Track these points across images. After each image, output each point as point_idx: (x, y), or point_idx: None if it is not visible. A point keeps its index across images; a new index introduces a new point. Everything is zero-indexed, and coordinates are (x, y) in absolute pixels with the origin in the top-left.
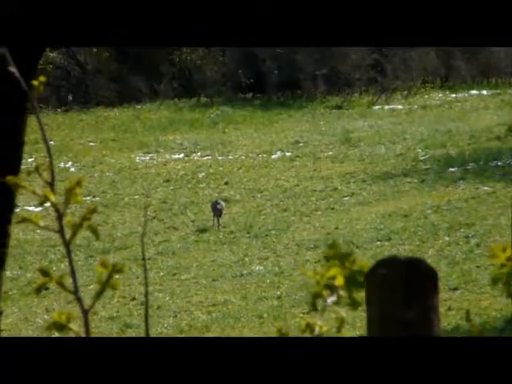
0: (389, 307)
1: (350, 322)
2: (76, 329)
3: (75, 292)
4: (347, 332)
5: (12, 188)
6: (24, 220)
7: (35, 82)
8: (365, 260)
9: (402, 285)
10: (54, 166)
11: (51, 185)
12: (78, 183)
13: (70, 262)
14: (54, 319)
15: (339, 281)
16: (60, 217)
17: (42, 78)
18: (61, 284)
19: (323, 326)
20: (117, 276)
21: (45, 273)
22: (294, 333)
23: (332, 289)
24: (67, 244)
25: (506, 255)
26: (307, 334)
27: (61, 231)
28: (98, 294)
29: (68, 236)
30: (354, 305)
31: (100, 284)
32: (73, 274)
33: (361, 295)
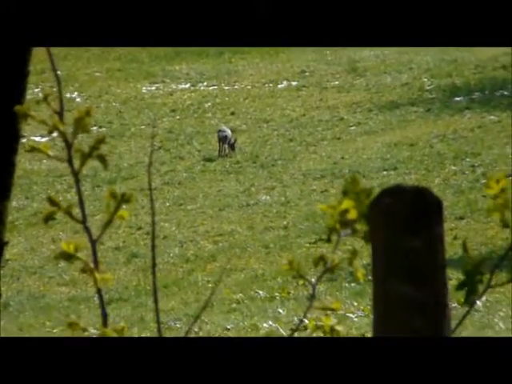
0: (393, 236)
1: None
2: (84, 258)
3: (83, 222)
4: (359, 263)
5: (18, 117)
6: (33, 149)
7: None
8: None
9: (406, 213)
10: (62, 96)
11: (60, 114)
12: (87, 113)
13: (79, 192)
14: (62, 249)
15: (352, 214)
16: (69, 146)
17: None
18: (69, 213)
19: (335, 258)
20: (125, 206)
21: (53, 202)
22: (303, 264)
23: (346, 222)
24: (76, 173)
25: (499, 186)
26: (320, 267)
27: (69, 160)
28: (107, 224)
29: (76, 166)
30: (367, 238)
31: (108, 214)
32: (81, 203)
33: None
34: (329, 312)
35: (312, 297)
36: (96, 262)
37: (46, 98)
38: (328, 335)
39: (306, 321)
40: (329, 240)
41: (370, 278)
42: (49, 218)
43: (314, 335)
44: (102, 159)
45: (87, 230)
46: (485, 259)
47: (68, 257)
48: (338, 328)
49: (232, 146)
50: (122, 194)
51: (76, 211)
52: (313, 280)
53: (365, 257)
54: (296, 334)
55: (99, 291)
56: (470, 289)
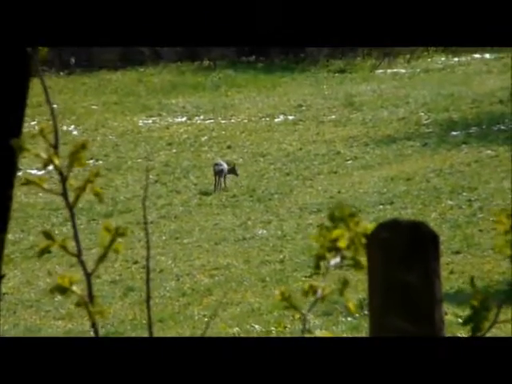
0: (390, 270)
1: (354, 284)
2: (79, 292)
3: (78, 255)
4: (350, 294)
5: (15, 150)
6: (28, 182)
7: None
8: (367, 223)
9: (403, 248)
10: (58, 129)
11: (55, 147)
12: (83, 146)
13: (74, 225)
14: (58, 282)
15: (342, 243)
16: (63, 180)
17: None
18: (64, 247)
19: (326, 288)
20: (120, 240)
21: (48, 235)
22: (296, 296)
23: (335, 251)
24: (71, 207)
25: (510, 222)
26: (310, 296)
27: (64, 194)
28: (101, 258)
29: (71, 199)
30: (357, 267)
31: (103, 247)
32: (76, 237)
33: (364, 258)
34: None
35: (304, 327)
36: (91, 295)
37: (41, 132)
38: None
39: None
40: (318, 267)
41: (366, 312)
42: (44, 252)
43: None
44: (97, 193)
45: (82, 263)
46: (488, 293)
47: (63, 290)
48: None
49: (233, 171)
50: (116, 228)
51: (71, 245)
52: (306, 312)
53: (360, 291)
54: None
55: (94, 325)
56: (476, 324)
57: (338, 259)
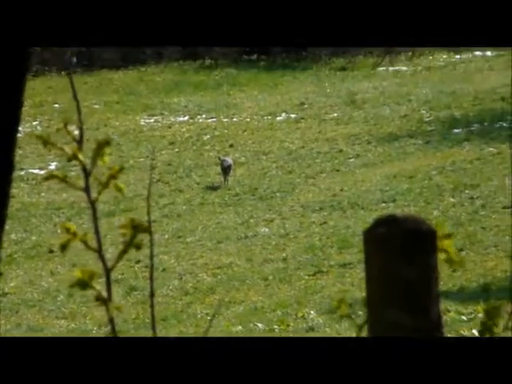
0: (388, 265)
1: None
2: (97, 287)
3: (99, 250)
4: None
5: (11, 146)
6: (51, 177)
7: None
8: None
9: (400, 243)
10: (82, 125)
11: (79, 143)
12: (107, 143)
13: (95, 221)
14: (78, 277)
15: None
16: (87, 175)
17: None
18: (84, 242)
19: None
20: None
21: (69, 230)
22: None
23: None
24: (92, 203)
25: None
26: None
27: (87, 189)
28: (122, 254)
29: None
30: None
31: (124, 244)
32: (97, 232)
33: None
34: None
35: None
36: (110, 290)
37: (65, 126)
38: None
39: None
40: None
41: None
42: (66, 246)
43: None
44: (119, 189)
45: (102, 258)
46: (491, 290)
47: (83, 285)
48: None
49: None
50: (138, 224)
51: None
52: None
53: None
54: None
55: (111, 320)
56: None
57: None
